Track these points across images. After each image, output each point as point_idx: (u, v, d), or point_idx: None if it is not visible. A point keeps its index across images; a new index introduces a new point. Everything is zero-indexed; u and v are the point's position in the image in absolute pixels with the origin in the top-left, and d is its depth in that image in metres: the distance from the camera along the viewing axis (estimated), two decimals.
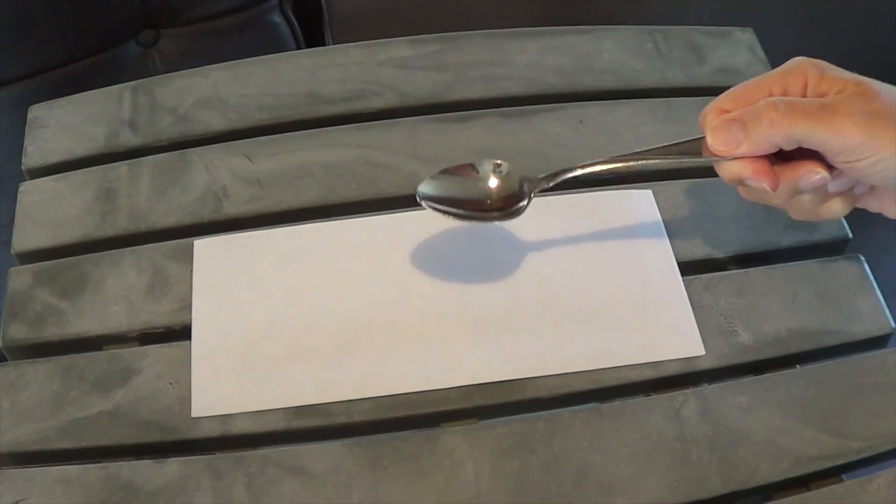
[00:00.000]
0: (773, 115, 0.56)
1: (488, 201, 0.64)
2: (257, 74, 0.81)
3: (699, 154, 0.60)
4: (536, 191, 0.64)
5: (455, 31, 0.85)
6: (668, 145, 0.61)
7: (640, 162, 0.62)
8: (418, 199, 0.63)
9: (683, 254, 0.70)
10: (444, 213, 0.64)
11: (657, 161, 0.61)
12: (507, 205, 0.64)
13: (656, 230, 0.71)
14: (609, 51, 0.83)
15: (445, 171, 0.64)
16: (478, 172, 0.65)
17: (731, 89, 0.60)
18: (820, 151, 0.57)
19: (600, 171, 0.62)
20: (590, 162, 0.63)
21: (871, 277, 0.69)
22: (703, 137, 0.60)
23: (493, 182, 0.64)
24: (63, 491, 0.59)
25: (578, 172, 0.63)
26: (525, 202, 0.64)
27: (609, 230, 0.70)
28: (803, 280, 0.69)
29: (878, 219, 0.63)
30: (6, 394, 0.63)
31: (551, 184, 0.64)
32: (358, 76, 0.81)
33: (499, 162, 0.65)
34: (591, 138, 0.76)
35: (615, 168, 0.62)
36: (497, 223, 0.66)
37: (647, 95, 0.80)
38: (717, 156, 0.59)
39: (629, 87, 0.81)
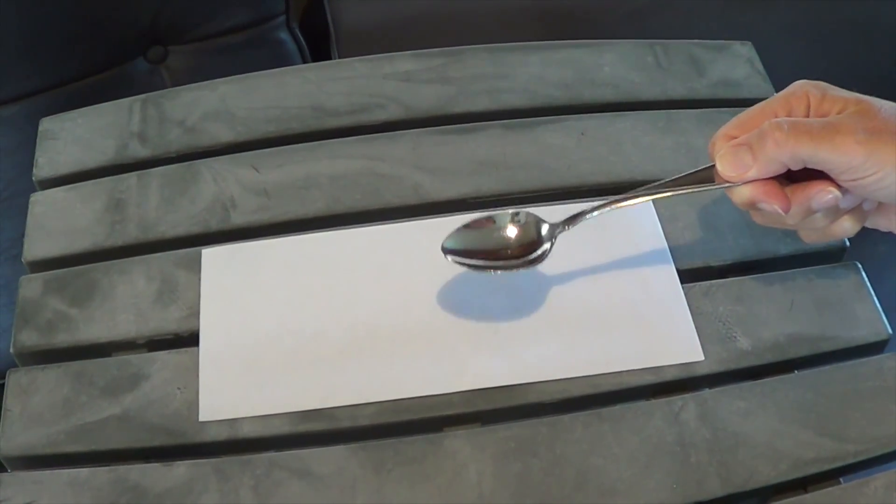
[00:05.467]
0: (777, 135, 0.57)
1: (508, 251, 0.65)
2: (264, 88, 0.82)
3: (711, 182, 0.61)
4: (556, 236, 0.65)
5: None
6: (680, 176, 0.62)
7: (654, 196, 0.63)
8: (443, 254, 0.65)
9: (683, 262, 0.71)
10: (469, 266, 0.65)
11: (670, 193, 0.62)
12: (527, 252, 0.65)
13: (656, 239, 0.72)
14: (610, 64, 0.84)
15: (467, 226, 0.65)
16: (495, 223, 0.66)
17: (738, 116, 0.61)
18: (825, 171, 0.58)
19: (616, 207, 0.63)
20: (606, 201, 0.64)
21: (868, 285, 0.70)
22: (714, 165, 0.61)
23: (512, 231, 0.66)
24: (72, 493, 0.60)
25: (596, 213, 0.64)
26: (547, 246, 0.65)
27: (610, 239, 0.72)
28: (801, 287, 0.70)
29: (881, 234, 0.64)
30: (17, 399, 0.64)
31: (569, 227, 0.65)
32: (363, 89, 0.82)
33: (516, 211, 0.66)
34: (593, 150, 0.77)
35: (630, 204, 0.63)
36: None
37: (648, 108, 0.81)
38: (729, 181, 0.60)
39: (630, 100, 0.82)
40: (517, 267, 0.65)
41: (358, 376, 0.65)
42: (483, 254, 0.65)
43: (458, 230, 0.65)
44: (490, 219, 0.66)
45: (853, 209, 0.61)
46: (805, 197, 0.59)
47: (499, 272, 0.65)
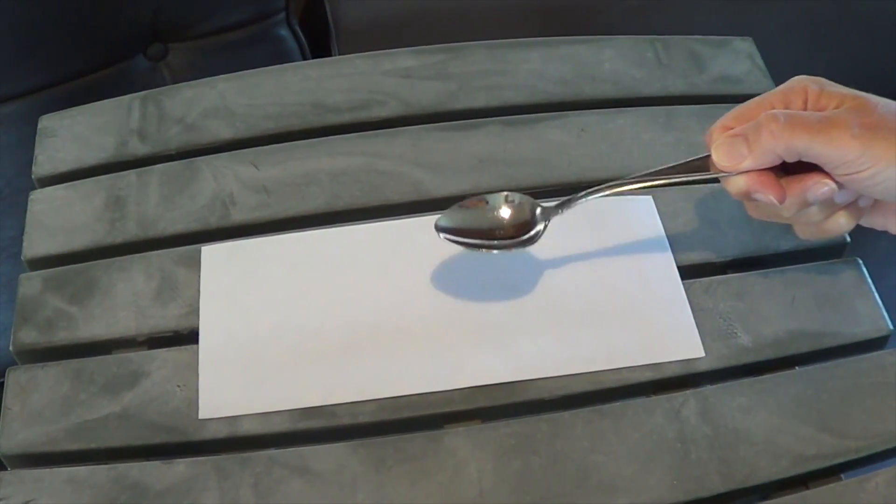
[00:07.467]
0: (773, 126, 0.57)
1: (501, 230, 0.65)
2: (264, 84, 0.82)
3: (706, 171, 0.61)
4: (550, 218, 0.65)
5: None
6: (676, 164, 0.62)
7: (649, 183, 0.63)
8: (436, 232, 0.65)
9: (683, 258, 0.71)
10: (461, 243, 0.65)
11: (665, 181, 0.62)
12: (520, 232, 0.65)
13: (657, 235, 0.72)
14: (610, 60, 0.84)
15: (461, 206, 0.66)
16: (489, 203, 0.66)
17: (735, 108, 0.61)
18: (820, 164, 0.58)
19: (610, 193, 0.63)
20: (600, 186, 0.64)
21: (870, 280, 0.70)
22: (709, 155, 0.61)
23: (506, 212, 0.66)
24: (72, 491, 0.60)
25: (590, 198, 0.64)
26: (540, 228, 0.65)
27: (610, 235, 0.71)
28: (802, 283, 0.70)
29: (882, 230, 0.63)
30: (17, 397, 0.64)
31: (563, 211, 0.65)
32: (363, 86, 0.82)
33: (509, 193, 0.66)
34: (593, 146, 0.77)
35: (625, 190, 0.63)
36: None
37: (648, 104, 0.81)
38: (724, 171, 0.60)
39: (630, 96, 0.82)
40: (510, 247, 0.65)
41: (358, 373, 0.65)
42: (476, 233, 0.65)
43: (453, 209, 0.65)
44: (483, 199, 0.66)
45: (849, 205, 0.61)
46: (801, 189, 0.59)
47: (493, 251, 0.65)
